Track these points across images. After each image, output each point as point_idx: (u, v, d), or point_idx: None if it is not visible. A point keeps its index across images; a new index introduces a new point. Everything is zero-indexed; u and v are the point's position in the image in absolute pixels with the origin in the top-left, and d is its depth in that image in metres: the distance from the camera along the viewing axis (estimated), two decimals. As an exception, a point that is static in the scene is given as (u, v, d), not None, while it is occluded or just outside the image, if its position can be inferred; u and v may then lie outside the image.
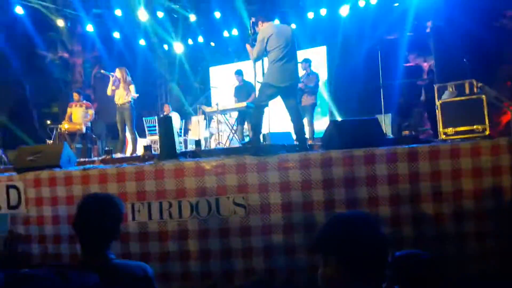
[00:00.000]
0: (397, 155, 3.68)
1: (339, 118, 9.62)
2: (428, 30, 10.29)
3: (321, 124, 9.08)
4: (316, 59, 9.48)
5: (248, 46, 4.72)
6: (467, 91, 6.24)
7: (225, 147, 6.94)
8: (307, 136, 5.83)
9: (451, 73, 8.62)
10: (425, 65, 11.06)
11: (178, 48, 11.97)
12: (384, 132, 6.06)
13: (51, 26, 11.14)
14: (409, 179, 3.66)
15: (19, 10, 9.10)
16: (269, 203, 3.61)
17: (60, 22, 10.31)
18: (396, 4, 9.52)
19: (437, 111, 6.14)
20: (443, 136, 5.08)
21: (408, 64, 10.77)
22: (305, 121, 6.99)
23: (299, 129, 4.47)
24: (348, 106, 10.03)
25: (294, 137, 5.05)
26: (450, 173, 3.67)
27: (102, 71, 7.15)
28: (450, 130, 5.08)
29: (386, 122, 8.09)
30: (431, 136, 7.71)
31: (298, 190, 3.61)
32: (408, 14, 9.53)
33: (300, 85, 6.54)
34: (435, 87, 6.87)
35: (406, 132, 5.55)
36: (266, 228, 3.60)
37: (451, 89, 6.76)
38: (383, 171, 3.66)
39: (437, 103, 6.16)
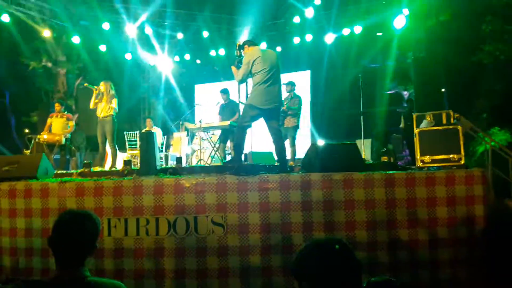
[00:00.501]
0: (375, 181, 3.76)
1: (320, 141, 9.76)
2: (409, 60, 10.65)
3: (303, 146, 9.19)
4: (300, 82, 9.65)
5: (233, 68, 4.81)
6: (444, 121, 6.43)
7: (207, 164, 6.92)
8: (288, 157, 5.89)
9: (429, 103, 8.92)
10: (405, 94, 11.40)
11: (164, 64, 12.02)
12: (363, 157, 6.17)
13: (36, 35, 11.04)
14: (386, 205, 3.74)
15: (5, 18, 9.01)
16: (248, 223, 3.62)
17: (46, 32, 10.23)
18: (379, 34, 9.83)
19: (415, 139, 6.31)
20: (420, 164, 5.21)
21: (389, 92, 11.08)
22: (287, 142, 7.07)
23: (280, 150, 4.52)
24: (330, 129, 10.22)
25: (276, 158, 5.09)
26: (425, 200, 3.77)
27: (85, 84, 7.09)
28: (427, 158, 5.22)
29: (365, 147, 8.24)
30: (409, 163, 7.88)
31: (277, 211, 3.64)
32: (391, 45, 9.84)
33: (283, 107, 6.63)
34: (414, 115, 7.07)
35: (385, 158, 5.66)
36: (244, 248, 3.59)
37: (429, 118, 6.96)
38: (361, 195, 3.74)
39: (415, 131, 6.33)
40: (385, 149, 8.30)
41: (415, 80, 10.68)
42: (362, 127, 7.54)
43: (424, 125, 6.55)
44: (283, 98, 5.13)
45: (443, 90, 10.00)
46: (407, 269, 3.66)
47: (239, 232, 3.62)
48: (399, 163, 7.21)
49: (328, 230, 3.65)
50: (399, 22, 9.13)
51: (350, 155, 4.13)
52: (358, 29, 9.80)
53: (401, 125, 8.26)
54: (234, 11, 11.12)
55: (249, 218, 3.62)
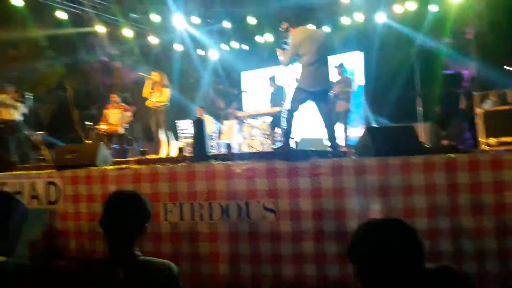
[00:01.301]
0: (435, 165, 3.54)
1: (375, 125, 9.40)
2: (469, 36, 9.91)
3: (356, 131, 8.92)
4: (352, 64, 9.33)
5: (279, 51, 4.70)
6: (510, 100, 5.95)
7: (257, 151, 6.93)
8: (340, 142, 5.73)
9: (492, 81, 8.26)
10: (465, 73, 10.65)
11: (213, 53, 12.14)
12: (421, 140, 5.86)
13: (91, 31, 11.57)
14: (448, 190, 3.51)
15: (60, 14, 9.48)
16: (299, 209, 3.56)
17: (100, 27, 10.68)
18: (435, 10, 9.22)
19: (477, 120, 5.88)
20: (485, 147, 4.85)
21: (447, 72, 10.41)
22: (339, 127, 6.88)
23: (331, 135, 4.39)
24: (384, 113, 9.81)
25: (327, 143, 4.97)
26: (491, 185, 3.49)
27: (140, 73, 7.31)
28: (492, 140, 4.85)
29: (424, 131, 7.84)
30: (472, 147, 7.40)
31: (330, 198, 3.54)
32: (447, 20, 9.22)
33: (334, 90, 6.44)
34: (475, 95, 6.59)
35: (445, 142, 5.33)
36: (296, 234, 3.54)
37: (493, 98, 6.47)
38: (420, 180, 3.53)
39: (478, 112, 5.90)
40: (445, 132, 7.85)
41: (476, 57, 9.94)
42: (419, 109, 7.16)
43: (488, 105, 6.11)
44: (333, 81, 4.97)
45: (507, 67, 9.23)
46: (472, 259, 3.42)
47: (290, 218, 3.57)
48: (460, 147, 6.78)
49: (384, 217, 3.50)
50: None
51: (407, 138, 3.91)
52: (411, 5, 9.26)
53: (461, 106, 7.76)
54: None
55: (300, 204, 3.56)
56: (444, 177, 3.51)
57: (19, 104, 7.58)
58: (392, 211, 3.52)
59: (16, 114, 7.57)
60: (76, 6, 9.74)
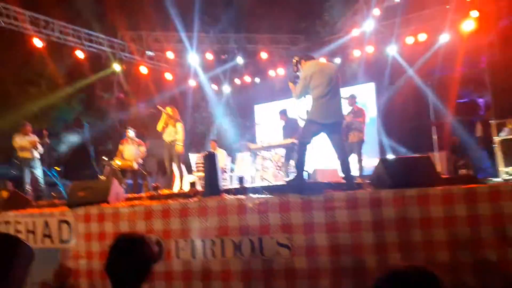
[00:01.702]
0: (454, 196, 3.42)
1: (389, 156, 9.27)
2: (482, 64, 9.87)
3: (370, 161, 8.79)
4: (364, 95, 9.34)
5: (290, 84, 4.73)
6: (528, 128, 5.83)
7: (270, 184, 6.86)
8: (354, 174, 5.63)
9: (508, 109, 8.13)
10: (481, 101, 10.52)
11: (226, 87, 12.35)
12: (438, 171, 5.73)
13: (108, 68, 11.93)
14: (468, 222, 3.37)
15: (79, 53, 9.82)
16: (315, 244, 3.45)
17: (116, 65, 11.01)
18: (446, 41, 9.27)
19: (496, 148, 5.74)
20: (506, 176, 4.69)
21: (461, 100, 10.31)
22: (353, 158, 6.79)
23: (345, 166, 4.32)
24: (398, 143, 9.69)
25: (341, 174, 4.88)
26: (515, 217, 3.35)
27: (158, 106, 7.36)
28: (512, 169, 4.70)
29: (439, 161, 7.68)
30: (491, 176, 7.19)
31: (346, 232, 3.43)
32: (460, 50, 9.22)
33: (347, 120, 6.40)
34: (492, 123, 6.48)
35: (463, 171, 5.19)
36: (313, 271, 3.42)
37: (510, 126, 6.35)
38: (439, 212, 3.41)
39: (496, 140, 5.77)
40: (462, 161, 7.67)
41: (491, 86, 9.84)
42: (434, 138, 7.05)
43: (505, 133, 5.98)
44: (345, 112, 4.94)
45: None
46: (499, 295, 3.24)
47: (306, 254, 3.46)
48: (479, 176, 6.60)
49: (404, 251, 3.37)
50: (468, 25, 8.56)
51: (424, 169, 3.81)
52: (422, 36, 9.33)
53: (478, 134, 7.61)
54: (292, 31, 11.18)
55: (316, 239, 3.46)
56: (464, 209, 3.39)
57: (37, 143, 7.74)
58: (411, 245, 3.39)
59: (34, 152, 7.72)
60: (94, 45, 10.08)
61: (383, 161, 4.17)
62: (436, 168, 4.48)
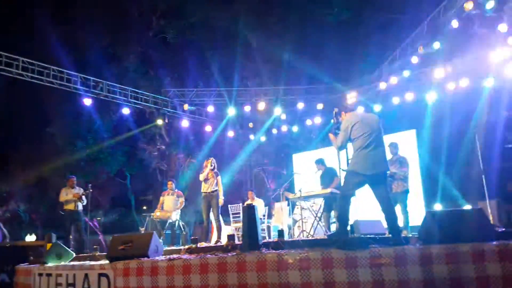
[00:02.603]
0: (513, 252, 3.13)
1: (437, 207, 8.78)
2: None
3: (415, 211, 8.37)
4: (405, 143, 9.08)
5: (331, 135, 4.67)
6: None
7: (309, 237, 6.63)
8: (399, 225, 5.34)
9: None
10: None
11: (263, 137, 12.48)
12: (492, 223, 5.33)
13: (151, 122, 12.48)
14: (533, 283, 3.05)
15: (125, 110, 10.38)
16: (361, 305, 3.22)
17: (160, 120, 11.48)
18: (490, 84, 8.98)
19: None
20: None
21: (510, 145, 9.79)
22: (398, 209, 6.48)
23: (391, 220, 4.10)
24: (444, 192, 9.20)
25: (385, 225, 4.63)
26: None
27: (206, 161, 7.44)
28: None
29: (491, 210, 7.18)
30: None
31: (394, 291, 3.19)
32: (502, 93, 8.90)
33: (391, 171, 6.18)
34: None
35: (520, 223, 4.80)
36: (359, 335, 3.16)
37: None
38: (497, 270, 3.12)
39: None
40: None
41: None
42: (485, 187, 6.63)
43: None
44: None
45: None
46: None
47: (352, 315, 3.22)
48: (539, 228, 6.06)
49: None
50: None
51: (477, 222, 3.54)
52: (464, 82, 9.12)
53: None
54: (329, 80, 11.30)
55: (362, 299, 3.23)
56: (526, 267, 3.08)
57: (81, 195, 8.02)
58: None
59: (79, 204, 7.98)
60: (140, 102, 10.63)
61: (431, 214, 3.93)
62: (489, 220, 4.18)
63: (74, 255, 5.83)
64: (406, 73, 9.69)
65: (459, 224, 3.51)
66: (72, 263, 5.01)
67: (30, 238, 16.83)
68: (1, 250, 8.46)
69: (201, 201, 7.21)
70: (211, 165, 7.16)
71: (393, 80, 10.05)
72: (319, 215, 7.18)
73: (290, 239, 6.47)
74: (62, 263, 5.33)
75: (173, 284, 3.82)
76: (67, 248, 5.82)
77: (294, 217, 8.42)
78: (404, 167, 6.78)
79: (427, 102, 9.77)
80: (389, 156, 6.80)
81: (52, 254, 5.49)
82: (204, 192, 7.07)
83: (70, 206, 7.91)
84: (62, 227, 7.88)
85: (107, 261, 4.42)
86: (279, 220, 9.13)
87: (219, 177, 7.14)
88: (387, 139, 5.15)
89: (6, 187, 15.98)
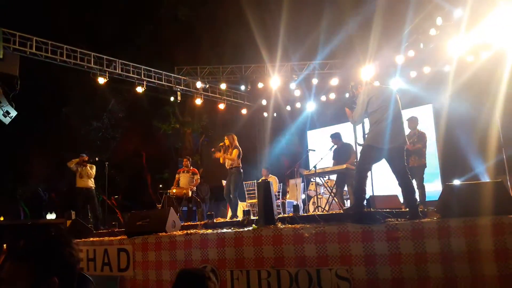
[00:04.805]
0: (535, 225, 3.07)
1: (456, 181, 8.64)
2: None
3: (431, 187, 8.27)
4: (423, 118, 8.90)
5: (347, 110, 4.59)
6: None
7: (325, 212, 6.64)
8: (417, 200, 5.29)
9: None
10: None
11: (277, 113, 12.39)
12: (512, 196, 5.22)
13: (166, 101, 12.48)
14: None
15: (139, 89, 10.38)
16: (377, 277, 3.23)
17: (173, 98, 11.47)
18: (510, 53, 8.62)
19: None
20: None
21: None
22: (414, 184, 6.41)
23: (408, 194, 4.05)
24: (463, 167, 9.03)
25: (402, 201, 4.59)
26: None
27: (213, 152, 7.45)
28: None
29: (511, 184, 7.04)
30: None
31: (411, 264, 3.18)
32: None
33: (407, 145, 6.10)
34: None
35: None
36: (376, 307, 3.19)
37: None
38: (517, 244, 3.07)
39: None
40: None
41: None
42: (505, 160, 6.48)
43: None
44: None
45: None
46: None
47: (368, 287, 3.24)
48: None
49: (476, 286, 3.04)
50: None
51: (496, 195, 3.47)
52: (485, 53, 8.79)
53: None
54: (344, 56, 11.04)
55: (378, 272, 3.23)
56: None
57: (93, 172, 8.14)
58: (485, 279, 3.06)
59: (90, 182, 8.11)
60: (153, 81, 10.62)
61: (450, 187, 3.87)
62: (509, 193, 4.10)
63: (93, 231, 5.98)
64: (423, 46, 9.40)
65: (478, 197, 3.45)
66: (91, 239, 5.14)
67: (50, 216, 17.34)
68: (22, 228, 8.72)
69: (220, 177, 7.27)
70: (230, 142, 7.18)
71: (410, 53, 9.77)
72: (334, 191, 7.17)
73: (305, 214, 6.50)
74: (82, 239, 5.47)
75: (191, 258, 3.89)
76: (86, 225, 5.96)
77: (309, 193, 8.43)
78: (422, 142, 6.68)
79: (445, 75, 9.49)
80: (407, 130, 6.70)
81: (71, 231, 5.64)
82: (227, 167, 7.16)
83: (84, 183, 8.02)
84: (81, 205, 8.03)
85: (126, 237, 4.52)
86: (293, 197, 9.14)
87: (234, 150, 7.12)
88: (404, 113, 5.05)
89: (26, 167, 16.37)
